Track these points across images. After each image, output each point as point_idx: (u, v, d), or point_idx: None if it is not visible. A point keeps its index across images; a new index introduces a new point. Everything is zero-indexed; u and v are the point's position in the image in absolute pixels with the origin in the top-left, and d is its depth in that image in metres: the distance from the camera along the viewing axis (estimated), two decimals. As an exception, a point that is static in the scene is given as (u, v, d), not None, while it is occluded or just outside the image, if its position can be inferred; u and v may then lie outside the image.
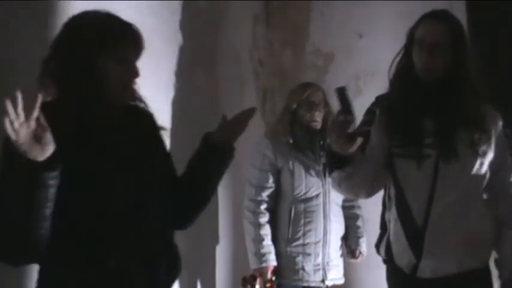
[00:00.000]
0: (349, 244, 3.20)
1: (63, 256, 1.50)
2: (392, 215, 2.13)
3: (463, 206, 2.00)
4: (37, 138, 1.32)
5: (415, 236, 2.02)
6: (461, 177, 1.99)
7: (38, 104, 1.30)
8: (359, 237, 3.19)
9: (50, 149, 1.35)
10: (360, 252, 3.19)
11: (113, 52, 1.55)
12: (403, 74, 2.06)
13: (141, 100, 1.69)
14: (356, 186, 2.12)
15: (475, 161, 2.00)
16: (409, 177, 2.04)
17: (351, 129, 1.88)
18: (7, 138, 1.31)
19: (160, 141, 1.74)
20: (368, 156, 2.09)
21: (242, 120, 1.80)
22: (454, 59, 2.00)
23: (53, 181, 1.38)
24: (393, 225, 2.11)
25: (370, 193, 2.17)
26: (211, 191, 1.83)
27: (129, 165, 1.60)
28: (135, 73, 1.60)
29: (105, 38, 1.55)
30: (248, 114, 1.81)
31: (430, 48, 1.98)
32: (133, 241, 1.57)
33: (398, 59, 2.09)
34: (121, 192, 1.56)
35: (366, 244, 3.21)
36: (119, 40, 1.56)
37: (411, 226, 2.03)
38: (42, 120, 1.33)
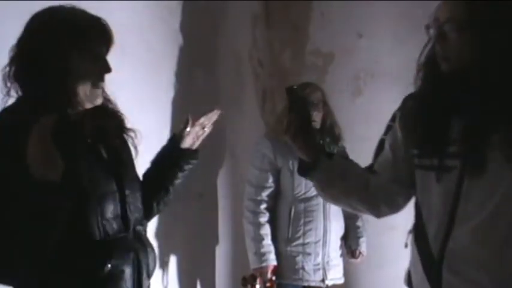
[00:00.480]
0: (349, 244, 3.21)
1: (59, 262, 1.47)
2: (411, 238, 1.74)
3: (491, 233, 1.51)
4: (49, 159, 1.30)
5: (432, 267, 1.59)
6: (490, 196, 1.51)
7: (51, 128, 1.29)
8: (359, 238, 3.19)
9: (61, 168, 1.33)
10: (360, 253, 3.19)
11: (84, 48, 1.51)
12: (426, 67, 1.65)
13: (109, 100, 1.66)
14: (344, 197, 1.78)
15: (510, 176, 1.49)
16: (427, 193, 1.63)
17: (305, 129, 1.68)
18: (19, 162, 1.29)
19: (127, 142, 1.75)
20: (376, 167, 1.79)
21: (205, 125, 1.91)
22: (480, 41, 1.49)
23: (67, 200, 1.37)
24: (411, 250, 1.74)
25: (375, 209, 1.77)
26: (174, 190, 1.87)
27: (115, 166, 1.62)
28: (107, 68, 1.56)
29: (75, 34, 1.49)
30: (211, 117, 1.92)
31: (441, 28, 1.54)
32: (130, 239, 1.61)
33: (426, 51, 1.67)
34: (113, 196, 1.58)
35: (366, 244, 3.21)
36: (88, 35, 1.52)
37: (427, 254, 1.62)
38: (51, 142, 1.30)
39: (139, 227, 1.66)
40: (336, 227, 3.09)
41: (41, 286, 1.50)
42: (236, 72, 3.73)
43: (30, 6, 1.59)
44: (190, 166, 1.89)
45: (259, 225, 2.96)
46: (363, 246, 3.19)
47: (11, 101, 1.51)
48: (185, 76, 3.07)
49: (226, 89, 3.52)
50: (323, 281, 3.02)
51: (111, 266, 1.52)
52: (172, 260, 2.96)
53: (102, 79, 1.57)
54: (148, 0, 2.73)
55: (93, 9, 1.63)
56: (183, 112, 2.99)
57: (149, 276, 1.67)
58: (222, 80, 3.49)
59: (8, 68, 1.50)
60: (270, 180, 3.01)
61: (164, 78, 2.94)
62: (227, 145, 3.51)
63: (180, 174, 1.86)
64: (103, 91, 1.60)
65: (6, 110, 1.50)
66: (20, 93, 1.51)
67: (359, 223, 3.20)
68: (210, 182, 3.30)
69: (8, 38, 1.55)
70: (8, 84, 1.50)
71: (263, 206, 2.99)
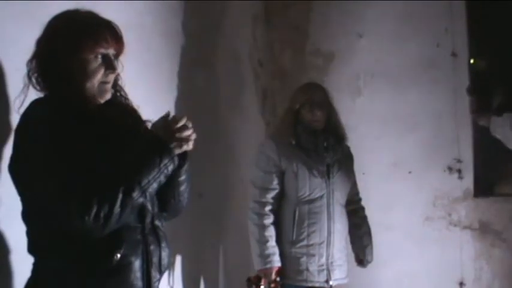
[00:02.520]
0: (356, 253, 3.18)
1: (72, 249, 1.52)
2: None
3: None
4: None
5: None
6: None
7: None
8: (365, 247, 3.15)
9: None
10: (367, 261, 3.18)
11: (92, 49, 1.59)
12: None
13: (121, 94, 1.75)
14: None
15: None
16: None
17: None
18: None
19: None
20: None
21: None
22: None
23: None
24: None
25: None
26: (181, 182, 1.81)
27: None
28: (112, 68, 1.63)
29: (84, 36, 1.59)
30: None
31: None
32: (146, 232, 1.65)
33: None
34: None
35: (373, 250, 3.18)
36: (97, 37, 1.60)
37: None
38: None
39: (157, 222, 1.70)
40: (340, 228, 3.07)
41: (51, 272, 1.55)
42: (236, 72, 3.73)
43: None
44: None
45: (264, 227, 2.94)
46: (369, 255, 3.16)
47: (31, 90, 1.64)
48: (185, 76, 3.07)
49: (226, 89, 3.51)
50: (327, 281, 3.00)
51: (120, 256, 1.55)
52: (177, 261, 2.96)
53: (108, 77, 1.65)
54: (148, 0, 2.73)
55: (93, 9, 1.65)
56: (184, 112, 2.99)
57: (161, 271, 1.69)
58: (222, 80, 3.49)
59: (30, 63, 1.63)
60: (275, 182, 2.99)
61: (164, 78, 2.93)
62: (227, 145, 3.51)
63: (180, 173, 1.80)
64: (119, 89, 1.73)
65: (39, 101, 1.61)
66: (39, 86, 1.63)
67: (364, 230, 3.18)
68: (210, 182, 3.30)
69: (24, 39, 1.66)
70: (30, 78, 1.62)
71: (268, 207, 2.97)
